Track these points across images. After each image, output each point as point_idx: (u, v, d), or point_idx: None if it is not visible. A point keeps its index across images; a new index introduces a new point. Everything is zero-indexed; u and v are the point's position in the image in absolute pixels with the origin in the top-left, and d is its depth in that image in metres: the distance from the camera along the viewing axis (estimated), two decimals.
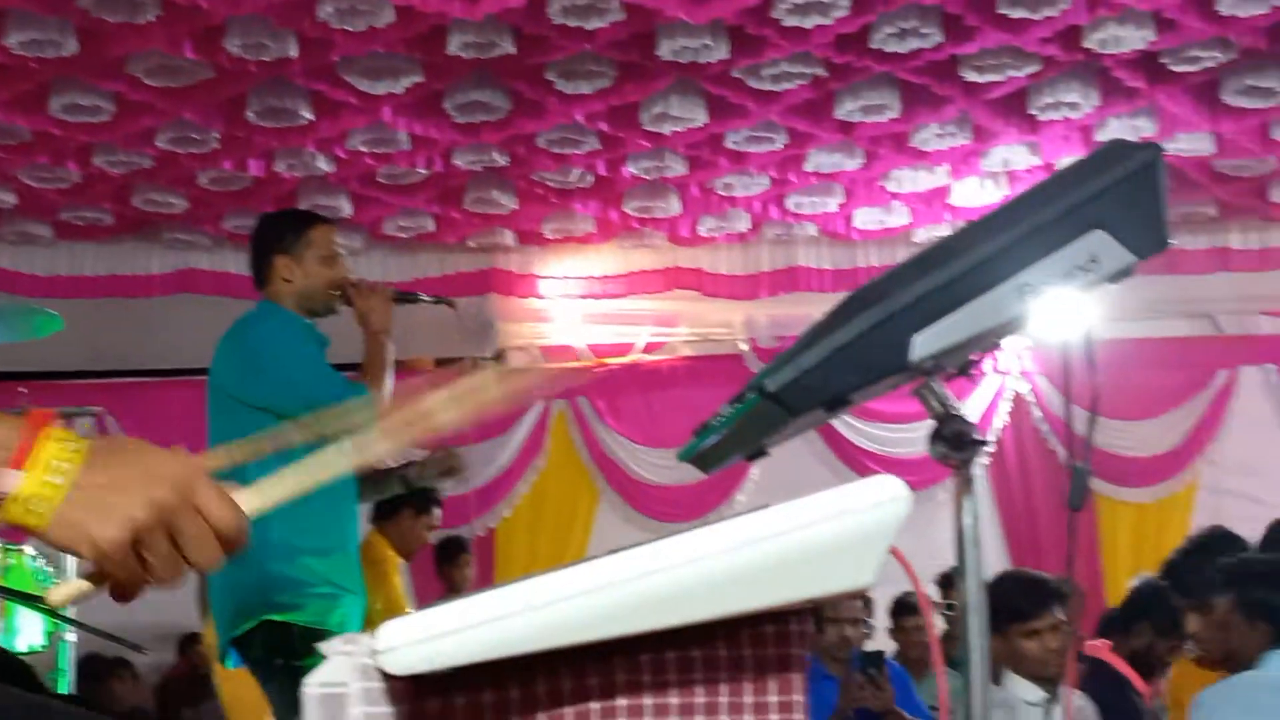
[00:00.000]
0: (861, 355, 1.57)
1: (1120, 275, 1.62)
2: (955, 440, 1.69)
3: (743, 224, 8.76)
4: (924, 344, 1.58)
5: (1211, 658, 3.84)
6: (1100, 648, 5.12)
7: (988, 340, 1.68)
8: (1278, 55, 6.64)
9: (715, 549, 1.42)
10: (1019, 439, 9.26)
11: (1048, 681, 3.92)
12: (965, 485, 1.70)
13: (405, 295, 4.30)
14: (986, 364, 9.11)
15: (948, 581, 5.95)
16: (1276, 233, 9.03)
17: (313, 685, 1.36)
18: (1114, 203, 1.58)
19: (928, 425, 1.72)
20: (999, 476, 9.30)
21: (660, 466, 8.91)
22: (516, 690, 1.45)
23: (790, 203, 8.44)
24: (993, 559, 8.63)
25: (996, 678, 3.97)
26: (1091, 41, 6.40)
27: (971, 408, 9.17)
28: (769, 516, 1.45)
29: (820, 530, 1.43)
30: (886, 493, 1.45)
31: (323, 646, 1.43)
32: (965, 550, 1.70)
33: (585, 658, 1.47)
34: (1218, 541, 4.08)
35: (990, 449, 9.23)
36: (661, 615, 1.43)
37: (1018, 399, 9.21)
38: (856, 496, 1.44)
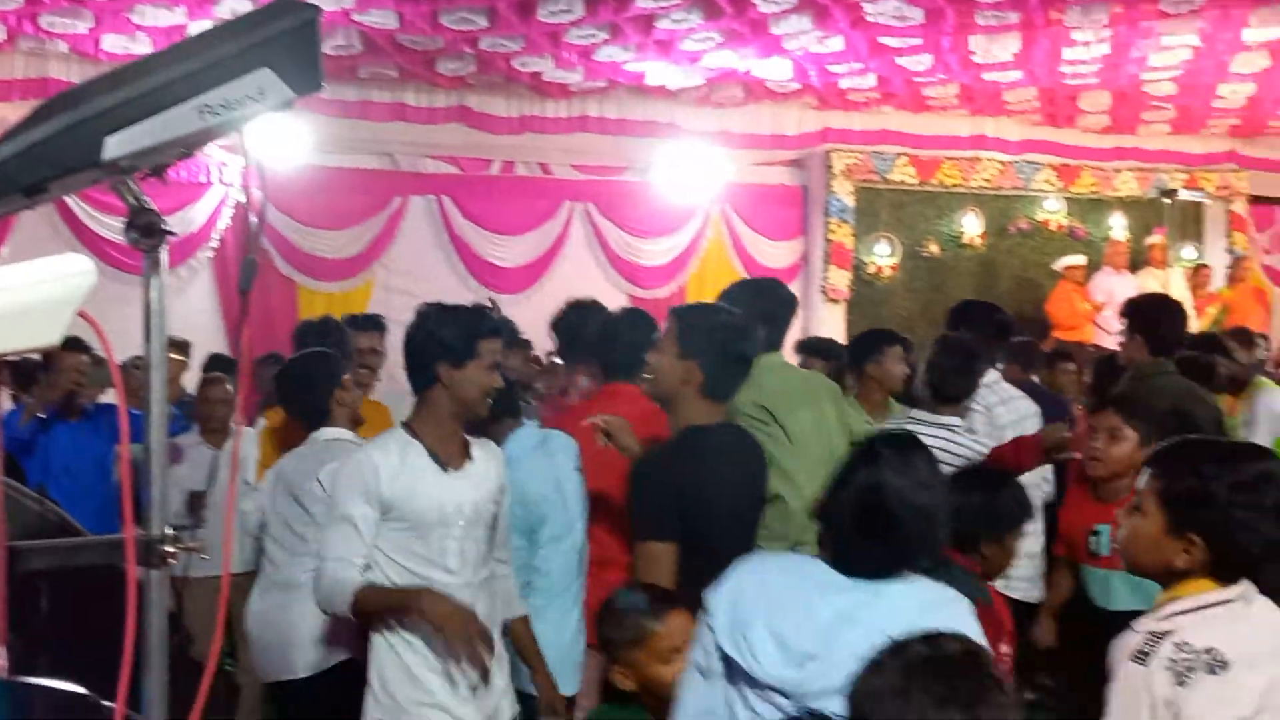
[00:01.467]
0: (56, 151, 1.43)
1: (284, 106, 1.59)
2: (146, 229, 1.60)
3: None
4: (115, 146, 1.47)
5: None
6: None
7: (177, 149, 1.59)
8: None
9: None
10: (238, 240, 9.02)
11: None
12: (153, 267, 1.62)
13: None
14: (215, 176, 8.80)
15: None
16: (441, 95, 9.35)
17: None
18: (279, 48, 1.55)
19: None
20: (221, 270, 9.06)
21: None
22: None
23: (44, 21, 7.55)
24: (214, 337, 8.44)
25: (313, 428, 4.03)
26: None
27: (200, 212, 8.83)
28: None
29: (8, 296, 1.31)
30: (74, 268, 1.35)
31: None
32: (151, 320, 1.62)
33: None
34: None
35: (214, 246, 8.97)
36: None
37: (239, 207, 8.94)
38: (45, 269, 1.33)
